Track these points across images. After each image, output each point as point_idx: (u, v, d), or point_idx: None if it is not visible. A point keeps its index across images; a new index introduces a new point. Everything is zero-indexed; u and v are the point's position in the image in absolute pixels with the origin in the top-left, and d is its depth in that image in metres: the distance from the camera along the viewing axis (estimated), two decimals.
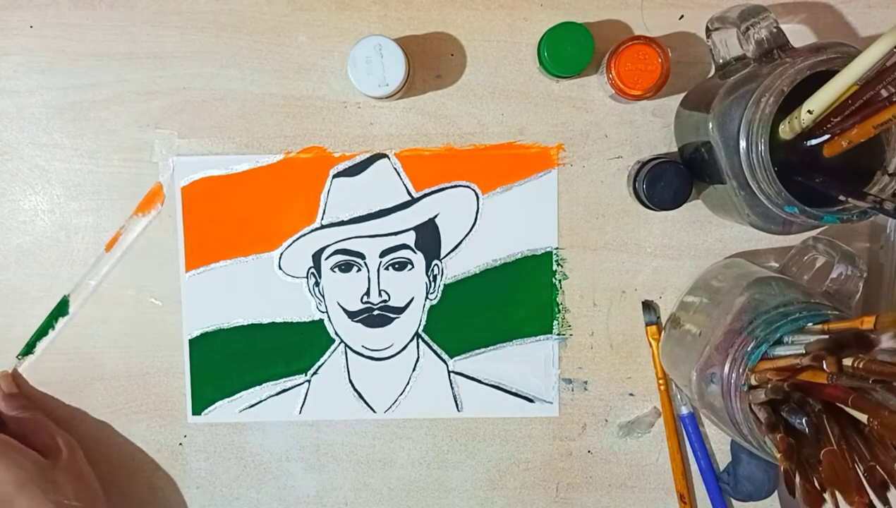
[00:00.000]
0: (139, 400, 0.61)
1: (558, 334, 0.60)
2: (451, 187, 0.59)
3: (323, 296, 0.60)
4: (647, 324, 0.60)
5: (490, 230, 0.60)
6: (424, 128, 0.59)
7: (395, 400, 0.61)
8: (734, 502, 0.62)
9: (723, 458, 0.61)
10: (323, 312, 0.60)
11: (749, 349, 0.46)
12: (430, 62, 0.58)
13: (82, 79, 0.58)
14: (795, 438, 0.43)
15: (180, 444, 0.62)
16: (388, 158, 0.59)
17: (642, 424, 0.61)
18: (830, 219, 0.46)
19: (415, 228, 0.60)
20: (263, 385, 0.61)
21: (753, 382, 0.46)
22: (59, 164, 0.59)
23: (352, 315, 0.60)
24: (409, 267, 0.60)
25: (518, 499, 0.62)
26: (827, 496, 0.41)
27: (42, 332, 0.60)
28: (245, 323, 0.61)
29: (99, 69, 0.58)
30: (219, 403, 0.61)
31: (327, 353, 0.61)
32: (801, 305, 0.48)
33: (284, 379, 0.61)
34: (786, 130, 0.47)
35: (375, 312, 0.60)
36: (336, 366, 0.61)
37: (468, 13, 0.58)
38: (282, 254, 0.60)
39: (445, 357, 0.61)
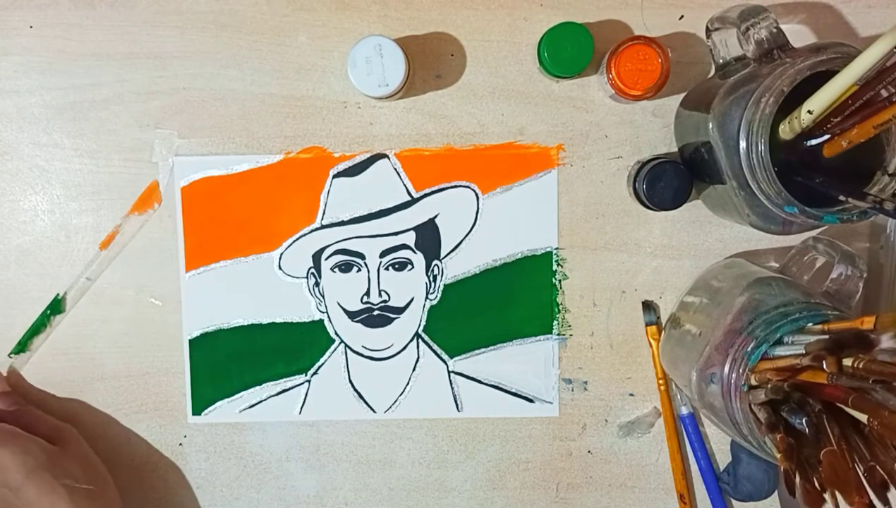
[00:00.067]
0: (139, 400, 0.61)
1: (558, 334, 0.60)
2: (451, 187, 0.59)
3: (323, 296, 0.60)
4: (647, 324, 0.60)
5: (490, 230, 0.60)
6: (424, 128, 0.59)
7: (395, 400, 0.61)
8: (734, 502, 0.62)
9: (723, 458, 0.61)
10: (323, 312, 0.60)
11: (749, 349, 0.46)
12: (430, 62, 0.58)
13: (82, 79, 0.58)
14: (795, 438, 0.43)
15: (180, 444, 0.62)
16: (388, 158, 0.59)
17: (642, 424, 0.61)
18: (830, 219, 0.46)
19: (415, 228, 0.60)
20: (263, 385, 0.61)
21: (753, 382, 0.46)
22: (59, 164, 0.59)
23: (352, 315, 0.60)
24: (409, 267, 0.60)
25: (518, 499, 0.62)
26: (827, 496, 0.41)
27: (35, 330, 0.60)
28: (245, 324, 0.61)
29: (99, 69, 0.58)
30: (219, 403, 0.61)
31: (327, 353, 0.61)
32: (801, 305, 0.48)
33: (284, 379, 0.61)
34: (786, 130, 0.47)
35: (375, 312, 0.60)
36: (336, 366, 0.61)
37: (468, 13, 0.58)
38: (282, 254, 0.60)
39: (445, 357, 0.61)
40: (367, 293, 0.60)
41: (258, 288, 0.60)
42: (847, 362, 0.40)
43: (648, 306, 0.60)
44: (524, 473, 0.62)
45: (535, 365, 0.61)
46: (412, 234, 0.59)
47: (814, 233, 0.56)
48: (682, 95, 0.57)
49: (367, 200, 0.59)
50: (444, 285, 0.60)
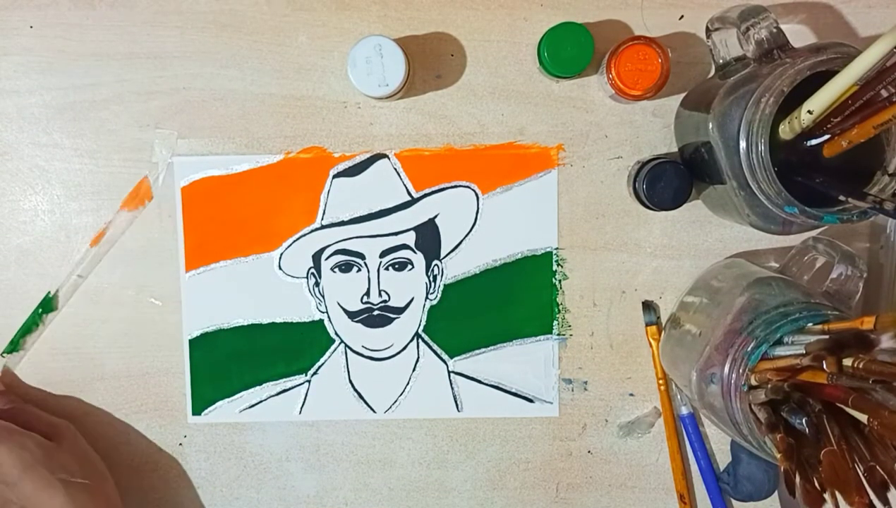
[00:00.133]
0: (139, 400, 0.61)
1: (558, 334, 0.60)
2: (451, 187, 0.59)
3: (323, 296, 0.60)
4: (647, 324, 0.60)
5: (490, 230, 0.60)
6: (424, 129, 0.59)
7: (395, 400, 0.61)
8: (734, 502, 0.62)
9: (723, 458, 0.61)
10: (323, 312, 0.60)
11: (749, 349, 0.46)
12: (430, 62, 0.58)
13: (82, 79, 0.58)
14: (795, 438, 0.43)
15: (180, 444, 0.62)
16: (388, 158, 0.59)
17: (642, 424, 0.61)
18: (830, 219, 0.46)
19: (415, 228, 0.60)
20: (263, 385, 0.61)
21: (753, 382, 0.46)
22: (59, 164, 0.59)
23: (352, 315, 0.60)
24: (409, 267, 0.60)
25: (518, 499, 0.62)
26: (827, 496, 0.41)
27: (27, 329, 0.60)
28: (245, 324, 0.61)
29: (99, 69, 0.58)
30: (219, 403, 0.61)
31: (327, 353, 0.61)
32: (801, 305, 0.48)
33: (284, 379, 0.61)
34: (786, 130, 0.47)
35: (375, 312, 0.60)
36: (336, 366, 0.61)
37: (468, 13, 0.58)
38: (282, 254, 0.60)
39: (445, 357, 0.61)
40: (367, 293, 0.60)
41: (258, 288, 0.60)
42: (847, 362, 0.40)
43: (648, 306, 0.60)
44: (524, 473, 0.62)
45: (535, 365, 0.61)
46: (412, 234, 0.59)
47: (814, 233, 0.56)
48: (682, 95, 0.57)
49: (367, 200, 0.59)
50: (444, 285, 0.60)
